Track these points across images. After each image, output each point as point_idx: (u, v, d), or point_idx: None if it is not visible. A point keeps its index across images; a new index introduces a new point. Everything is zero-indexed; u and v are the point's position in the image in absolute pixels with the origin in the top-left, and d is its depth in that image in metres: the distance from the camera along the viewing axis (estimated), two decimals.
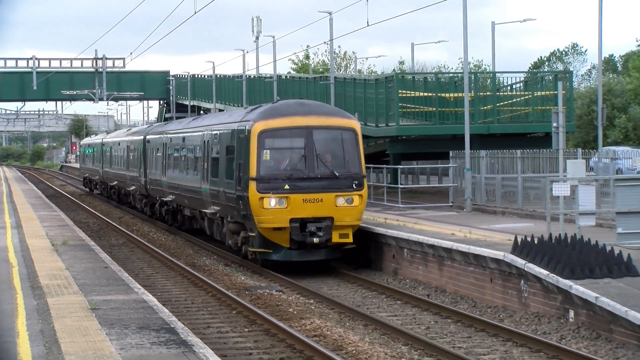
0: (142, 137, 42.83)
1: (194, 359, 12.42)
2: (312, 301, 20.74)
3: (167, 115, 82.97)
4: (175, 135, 35.23)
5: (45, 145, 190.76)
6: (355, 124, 25.35)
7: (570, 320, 17.25)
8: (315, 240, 23.79)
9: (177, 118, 64.12)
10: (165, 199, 36.42)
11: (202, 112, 75.16)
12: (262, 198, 23.89)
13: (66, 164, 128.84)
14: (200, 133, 30.50)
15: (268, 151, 24.26)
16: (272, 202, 23.87)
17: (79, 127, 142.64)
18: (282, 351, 15.82)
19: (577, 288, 16.83)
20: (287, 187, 23.97)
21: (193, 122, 35.00)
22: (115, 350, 12.85)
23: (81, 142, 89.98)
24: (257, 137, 24.15)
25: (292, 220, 23.87)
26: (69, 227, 32.50)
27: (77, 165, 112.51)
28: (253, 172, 24.02)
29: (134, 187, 44.90)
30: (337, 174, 24.23)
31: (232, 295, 20.86)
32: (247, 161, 24.24)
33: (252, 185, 23.99)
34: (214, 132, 28.41)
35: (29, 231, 30.49)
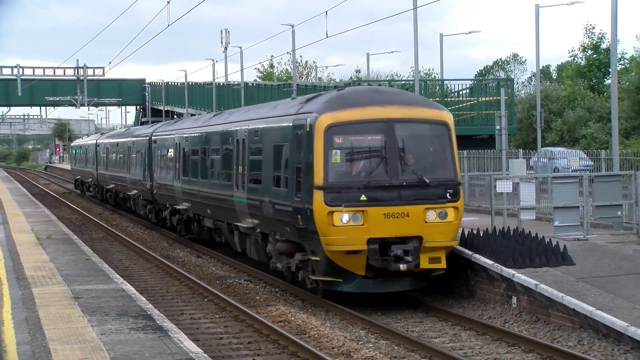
0: (147, 137, 35.72)
1: (169, 343, 12.33)
2: (277, 290, 20.67)
3: (143, 120, 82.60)
4: (194, 134, 28.13)
5: (30, 147, 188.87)
6: (446, 116, 18.47)
7: (513, 305, 17.32)
8: (402, 267, 17.21)
9: (153, 122, 63.50)
10: (178, 207, 29.45)
11: (175, 116, 74.83)
12: (331, 212, 17.22)
13: (50, 165, 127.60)
14: (231, 130, 23.47)
15: (338, 151, 17.59)
16: (344, 217, 17.24)
17: (62, 130, 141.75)
18: (250, 335, 15.75)
19: (519, 276, 16.90)
20: (363, 197, 17.33)
21: (216, 118, 27.42)
22: (96, 336, 12.73)
23: (72, 144, 77.93)
24: (323, 134, 17.46)
25: (370, 241, 17.29)
26: (53, 223, 32.18)
27: (61, 166, 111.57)
28: (319, 179, 17.33)
29: (135, 192, 38.06)
30: (427, 181, 17.67)
31: (203, 285, 20.74)
32: (310, 165, 17.55)
33: (318, 196, 17.30)
34: (254, 129, 21.47)
35: (15, 226, 30.14)
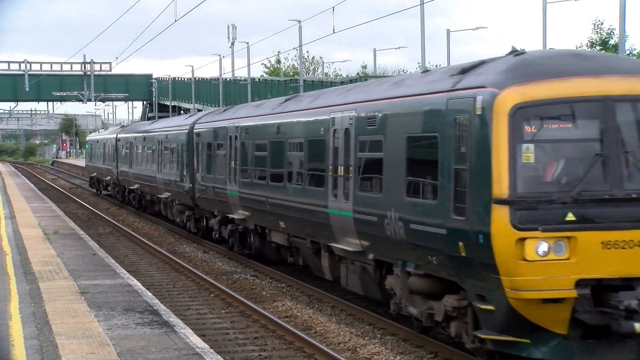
0: (185, 129, 29.61)
1: (175, 338, 12.36)
2: (283, 285, 20.68)
3: (150, 115, 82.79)
4: (258, 124, 21.72)
5: (37, 142, 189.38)
6: None
7: None
8: (639, 326, 11.22)
9: (160, 117, 63.51)
10: (233, 216, 23.50)
11: (182, 112, 74.99)
12: (522, 239, 11.39)
13: (57, 160, 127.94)
14: (324, 118, 17.13)
15: (531, 146, 11.62)
16: (541, 247, 11.39)
17: (69, 125, 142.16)
18: (257, 331, 15.78)
19: None
20: (571, 217, 11.49)
21: (291, 103, 20.52)
22: (102, 331, 12.77)
23: (88, 137, 68.03)
24: (508, 119, 11.57)
25: (580, 284, 11.46)
26: (60, 218, 32.27)
27: (68, 161, 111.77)
28: (502, 188, 11.46)
29: (169, 195, 32.13)
30: None
31: (210, 280, 20.77)
32: (485, 166, 11.69)
33: (500, 214, 11.46)
34: (368, 116, 15.26)
35: (22, 221, 30.23)
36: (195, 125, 28.59)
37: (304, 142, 18.30)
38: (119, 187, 45.65)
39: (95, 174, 55.09)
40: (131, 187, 40.75)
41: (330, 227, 16.84)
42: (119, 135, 45.21)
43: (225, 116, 25.80)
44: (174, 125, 32.97)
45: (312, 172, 17.84)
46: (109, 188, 49.87)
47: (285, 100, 21.43)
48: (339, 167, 16.36)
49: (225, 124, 24.69)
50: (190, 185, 28.29)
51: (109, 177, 48.31)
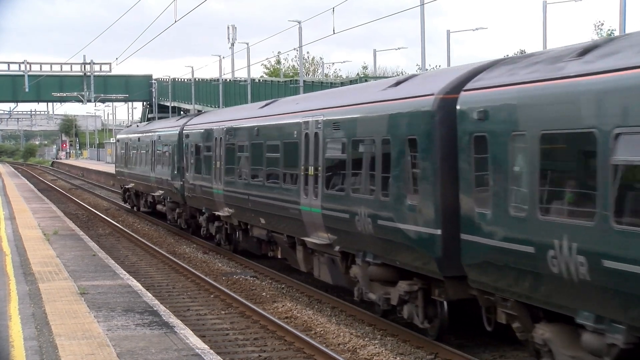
0: (425, 105, 12.89)
1: (175, 339, 12.35)
2: (283, 286, 20.68)
3: (149, 116, 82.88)
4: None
5: (37, 143, 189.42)
6: None
7: None
8: None
9: (160, 119, 63.29)
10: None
11: (182, 112, 75.00)
12: None
13: (57, 160, 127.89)
14: None
15: None
16: None
17: (69, 126, 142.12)
18: (257, 332, 15.77)
19: None
20: None
21: None
22: (102, 332, 12.76)
23: (119, 136, 46.93)
24: None
25: None
26: (60, 218, 32.25)
27: (68, 162, 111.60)
28: None
29: (331, 238, 16.71)
30: None
31: (210, 281, 20.77)
32: None
33: None
34: None
35: (22, 222, 30.22)
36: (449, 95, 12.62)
37: None
38: (184, 209, 30.71)
39: (132, 184, 39.95)
40: (218, 213, 25.10)
41: None
42: (185, 130, 29.96)
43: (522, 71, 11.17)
44: (375, 103, 15.08)
45: None
46: (160, 206, 34.94)
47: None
48: None
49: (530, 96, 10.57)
50: (443, 233, 12.74)
51: (160, 193, 33.74)
